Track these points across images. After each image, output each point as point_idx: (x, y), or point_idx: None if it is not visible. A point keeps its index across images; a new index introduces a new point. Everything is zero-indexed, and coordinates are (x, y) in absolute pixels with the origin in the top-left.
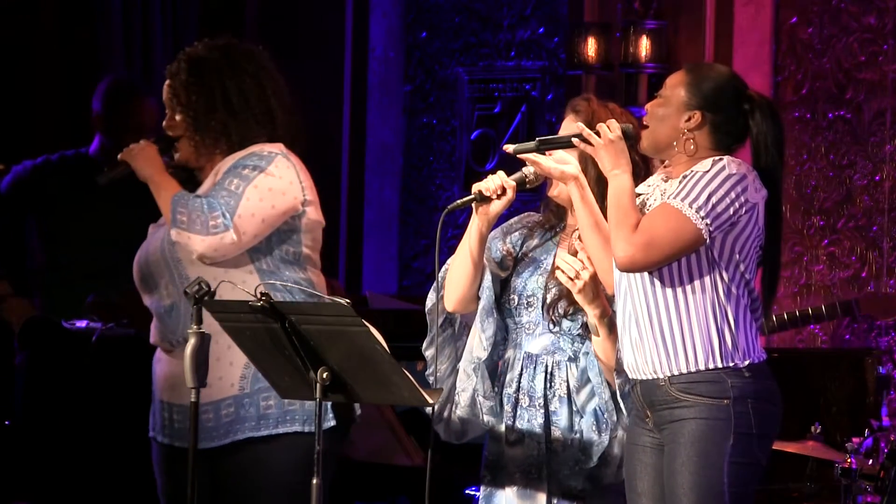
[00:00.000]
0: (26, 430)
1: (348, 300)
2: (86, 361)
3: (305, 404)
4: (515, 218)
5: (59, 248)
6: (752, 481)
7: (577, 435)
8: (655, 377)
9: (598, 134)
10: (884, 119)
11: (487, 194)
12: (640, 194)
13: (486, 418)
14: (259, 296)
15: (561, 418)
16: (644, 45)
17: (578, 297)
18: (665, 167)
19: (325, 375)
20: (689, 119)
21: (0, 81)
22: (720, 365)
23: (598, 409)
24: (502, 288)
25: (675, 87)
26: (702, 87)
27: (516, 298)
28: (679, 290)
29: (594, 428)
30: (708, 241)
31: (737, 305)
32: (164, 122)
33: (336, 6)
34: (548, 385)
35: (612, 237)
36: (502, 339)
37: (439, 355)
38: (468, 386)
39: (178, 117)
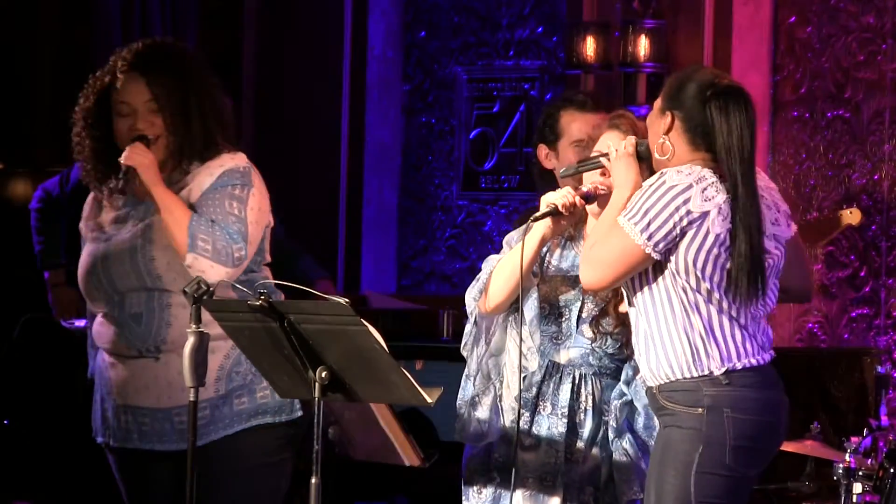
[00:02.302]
0: (26, 429)
1: (347, 299)
2: (86, 361)
3: (276, 397)
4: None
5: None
6: (726, 493)
7: (599, 449)
8: (648, 385)
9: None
10: (882, 118)
11: (563, 211)
12: None
13: (508, 422)
14: (258, 295)
15: (585, 430)
16: (643, 45)
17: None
18: None
19: (323, 375)
20: (663, 123)
21: (0, 82)
22: (695, 374)
23: (637, 433)
24: None
25: (656, 101)
26: (671, 88)
27: (547, 307)
28: (650, 302)
29: (636, 453)
30: (657, 257)
31: (707, 314)
32: (138, 122)
33: (335, 5)
34: (574, 396)
35: (583, 255)
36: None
37: (471, 353)
38: (491, 389)
39: (157, 118)
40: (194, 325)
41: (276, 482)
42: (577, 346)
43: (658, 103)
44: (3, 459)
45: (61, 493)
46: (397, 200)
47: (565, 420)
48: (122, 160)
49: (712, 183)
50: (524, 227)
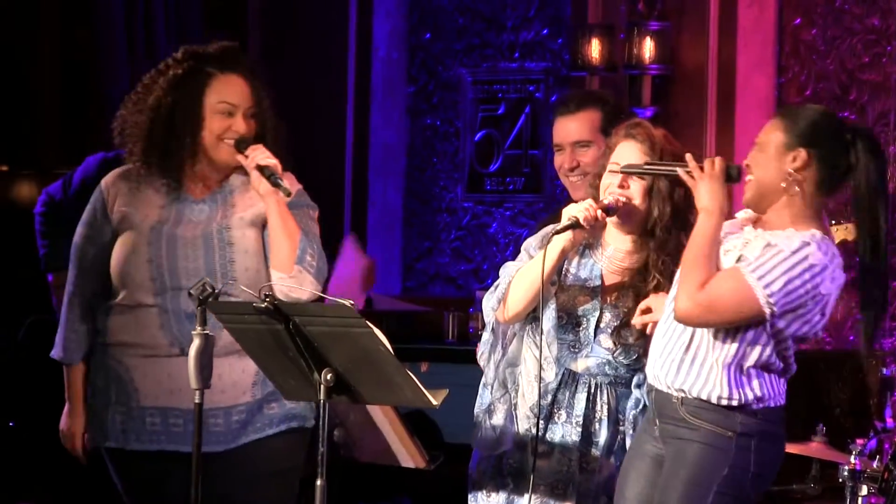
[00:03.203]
0: (31, 431)
1: (351, 301)
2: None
3: (302, 405)
4: (550, 227)
5: None
6: None
7: (615, 459)
8: (669, 392)
9: (701, 169)
10: (887, 120)
11: (584, 224)
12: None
13: (522, 430)
14: (263, 297)
15: (600, 439)
16: (648, 47)
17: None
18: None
19: (328, 377)
20: (794, 159)
21: (1, 82)
22: (733, 404)
23: None
24: None
25: (771, 132)
26: (799, 125)
27: (565, 316)
28: (725, 331)
29: None
30: (769, 320)
31: (768, 353)
32: (235, 123)
33: (339, 6)
34: (589, 405)
35: (680, 283)
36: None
37: (488, 361)
38: (507, 398)
39: (252, 123)
40: (200, 328)
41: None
42: (595, 356)
43: (777, 138)
44: (8, 461)
45: (65, 495)
46: (402, 202)
47: (580, 429)
48: (258, 161)
49: (840, 263)
50: (542, 233)
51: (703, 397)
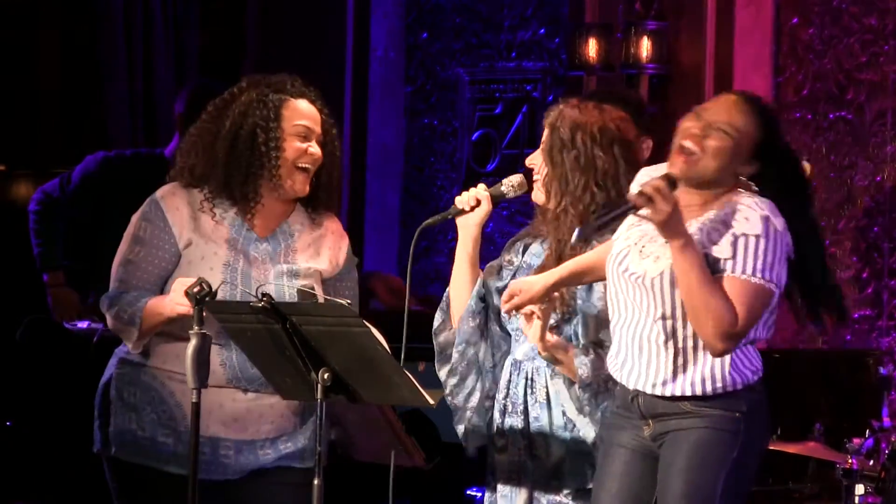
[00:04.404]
0: (29, 431)
1: (349, 301)
2: (87, 362)
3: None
4: (526, 228)
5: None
6: (746, 486)
7: (561, 441)
8: (664, 395)
9: (648, 197)
10: (885, 120)
11: (461, 206)
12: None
13: (472, 423)
14: (260, 296)
15: (543, 424)
16: (645, 46)
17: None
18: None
19: (326, 376)
20: (752, 167)
21: (2, 83)
22: (738, 386)
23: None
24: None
25: (744, 131)
26: (768, 134)
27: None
28: None
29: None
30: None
31: (755, 340)
32: (308, 147)
33: (337, 6)
34: (528, 391)
35: (701, 327)
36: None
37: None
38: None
39: (319, 149)
40: (196, 327)
41: None
42: (527, 342)
43: (747, 142)
44: (6, 460)
45: (64, 495)
46: (399, 202)
47: (522, 417)
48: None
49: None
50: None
51: (709, 392)
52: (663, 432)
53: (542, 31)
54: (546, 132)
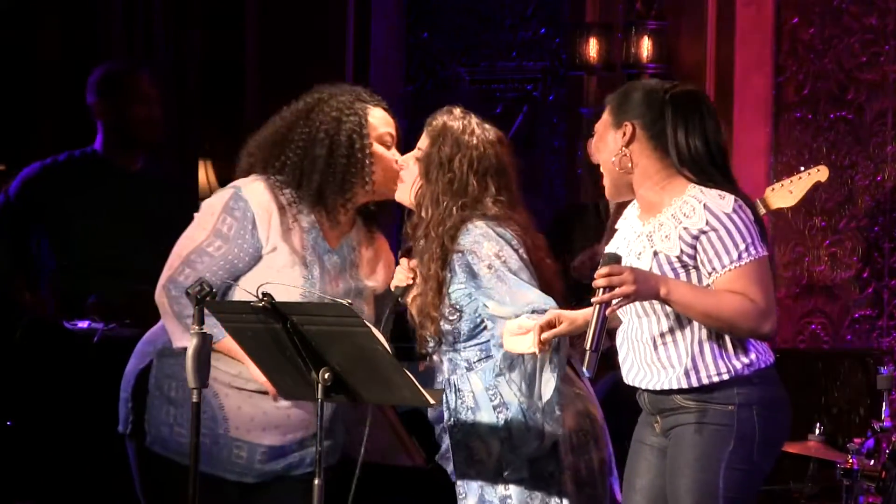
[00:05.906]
0: (26, 430)
1: (349, 301)
2: (87, 362)
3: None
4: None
5: (68, 248)
6: (750, 486)
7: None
8: (659, 391)
9: (610, 288)
10: (885, 119)
11: (404, 284)
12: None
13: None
14: (261, 296)
15: (443, 407)
16: (645, 46)
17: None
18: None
19: (326, 376)
20: (624, 134)
21: (1, 82)
22: (732, 375)
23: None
24: None
25: (602, 119)
26: (620, 102)
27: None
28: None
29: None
30: None
31: None
32: (392, 155)
33: (337, 6)
34: (459, 401)
35: (737, 328)
36: None
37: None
38: None
39: None
40: (197, 327)
41: None
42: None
43: (605, 121)
44: (6, 460)
45: (64, 495)
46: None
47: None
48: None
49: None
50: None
51: (696, 384)
52: (669, 428)
53: (543, 30)
54: (426, 140)
